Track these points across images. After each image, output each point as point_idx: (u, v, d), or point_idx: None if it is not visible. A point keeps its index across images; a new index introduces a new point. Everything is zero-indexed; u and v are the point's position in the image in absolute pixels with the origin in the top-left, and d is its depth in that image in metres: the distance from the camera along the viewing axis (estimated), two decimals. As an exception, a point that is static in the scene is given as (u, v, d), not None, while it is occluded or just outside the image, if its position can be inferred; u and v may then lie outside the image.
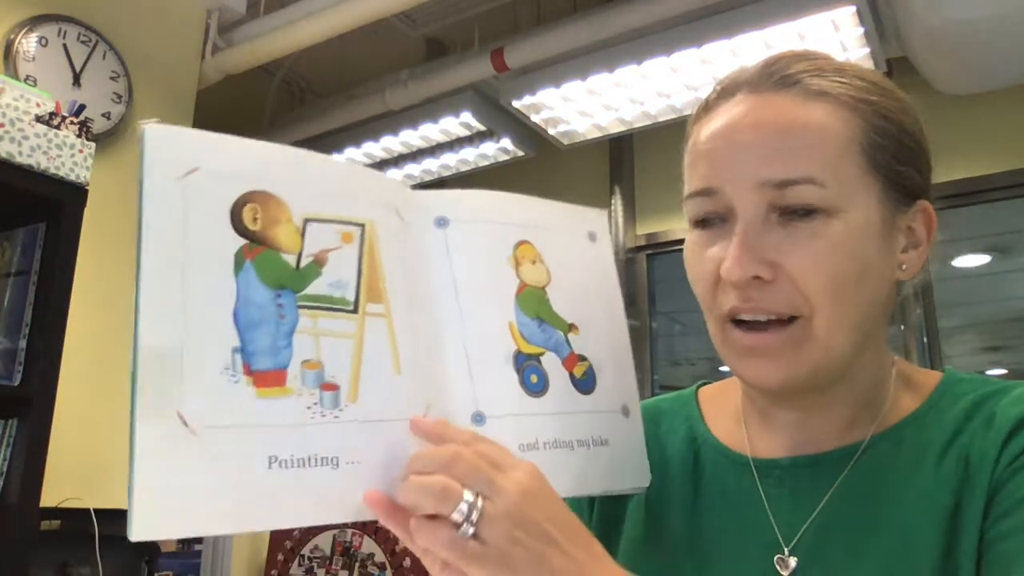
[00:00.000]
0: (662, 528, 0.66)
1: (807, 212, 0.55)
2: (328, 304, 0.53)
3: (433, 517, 0.47)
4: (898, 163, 0.58)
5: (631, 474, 0.64)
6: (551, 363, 0.62)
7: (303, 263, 0.53)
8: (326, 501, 0.50)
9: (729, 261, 0.55)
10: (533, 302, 0.63)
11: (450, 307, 0.59)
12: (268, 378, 0.49)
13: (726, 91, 0.61)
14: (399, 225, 0.59)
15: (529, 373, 0.61)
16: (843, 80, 0.58)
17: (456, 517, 0.47)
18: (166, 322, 0.47)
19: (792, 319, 0.55)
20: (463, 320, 0.59)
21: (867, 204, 0.56)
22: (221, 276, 0.50)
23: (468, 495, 0.47)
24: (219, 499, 0.46)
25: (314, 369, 0.51)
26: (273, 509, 0.48)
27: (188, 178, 0.50)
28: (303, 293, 0.52)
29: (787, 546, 0.58)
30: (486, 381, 0.59)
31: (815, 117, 0.56)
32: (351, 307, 0.54)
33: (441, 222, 0.61)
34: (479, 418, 0.58)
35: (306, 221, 0.54)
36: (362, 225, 0.56)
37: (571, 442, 0.61)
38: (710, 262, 0.58)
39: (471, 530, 0.46)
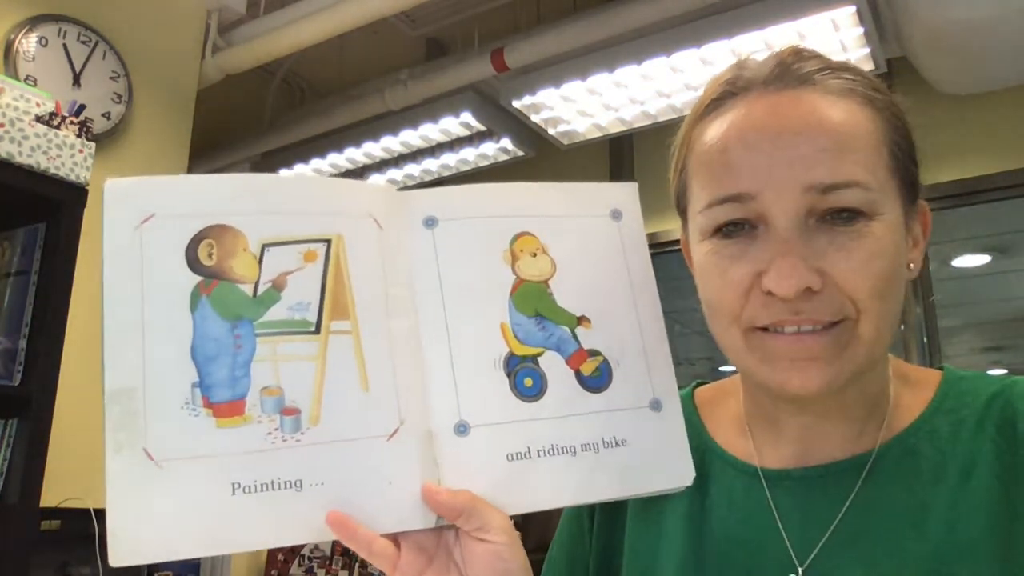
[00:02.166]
0: (666, 541, 0.63)
1: (850, 216, 0.52)
2: (287, 328, 0.54)
3: None
4: (912, 163, 0.57)
5: (663, 473, 0.59)
6: (552, 363, 0.59)
7: (261, 290, 0.54)
8: (291, 523, 0.51)
9: (778, 275, 0.52)
10: (531, 299, 0.60)
11: (436, 312, 0.58)
12: (227, 409, 0.52)
13: (734, 89, 0.57)
14: (376, 233, 0.58)
15: (523, 376, 0.58)
16: (857, 78, 0.57)
17: None
18: (128, 364, 0.51)
19: (835, 323, 0.53)
20: (449, 325, 0.58)
21: (895, 204, 0.55)
22: (178, 315, 0.52)
23: None
24: (188, 525, 0.50)
25: (273, 395, 0.53)
26: (240, 532, 0.51)
27: (144, 226, 0.53)
28: (261, 320, 0.54)
29: (801, 565, 0.56)
30: (472, 388, 0.57)
31: (849, 116, 0.54)
32: (313, 328, 0.55)
33: (430, 222, 0.60)
34: (462, 428, 0.56)
35: (264, 247, 0.55)
36: (328, 240, 0.56)
37: (572, 447, 0.58)
38: (743, 274, 0.54)
39: None
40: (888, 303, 0.54)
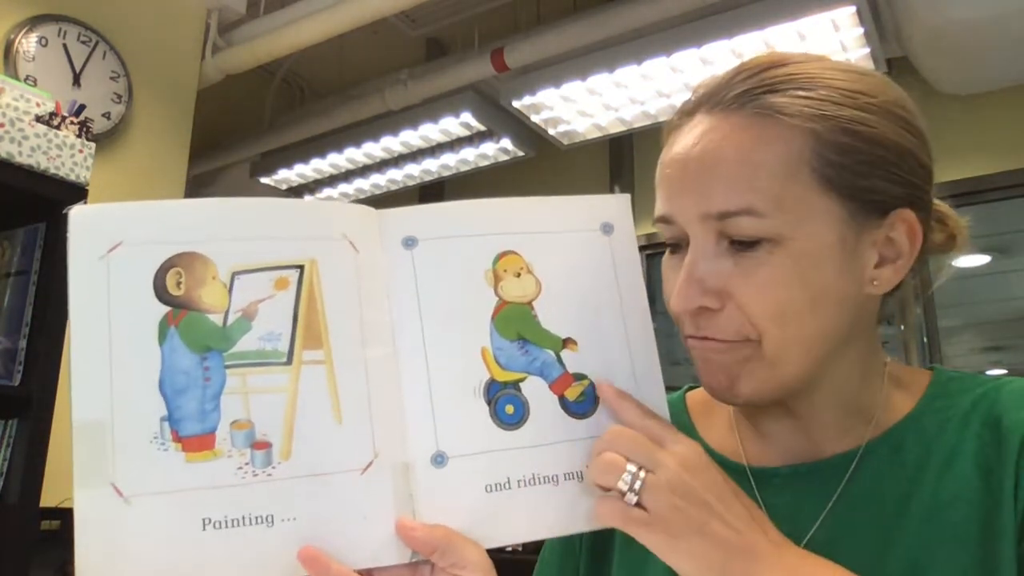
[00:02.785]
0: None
1: (752, 242, 0.54)
2: (258, 360, 0.53)
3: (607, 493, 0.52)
4: (862, 178, 0.55)
5: None
6: (534, 389, 0.57)
7: (231, 320, 0.53)
8: (262, 559, 0.51)
9: (675, 294, 0.57)
10: (514, 321, 0.58)
11: (414, 338, 0.56)
12: (196, 443, 0.51)
13: (689, 111, 0.59)
14: (352, 256, 0.56)
15: (504, 403, 0.56)
16: (804, 94, 0.55)
17: (621, 486, 0.51)
18: (95, 397, 0.50)
19: (737, 341, 0.56)
20: (427, 351, 0.56)
21: (821, 226, 0.54)
22: (145, 347, 0.51)
23: (631, 467, 0.51)
24: (157, 562, 0.49)
25: (243, 429, 0.52)
26: (210, 569, 0.50)
27: (111, 255, 0.52)
28: (231, 352, 0.52)
29: None
30: (450, 417, 0.55)
31: (762, 142, 0.54)
32: (284, 359, 0.53)
33: (409, 242, 0.58)
34: (439, 459, 0.55)
35: (234, 275, 0.53)
36: (300, 266, 0.55)
37: (555, 476, 0.56)
38: (670, 288, 0.59)
39: (635, 499, 0.50)
40: (793, 329, 0.54)
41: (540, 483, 0.56)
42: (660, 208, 0.59)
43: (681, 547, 0.49)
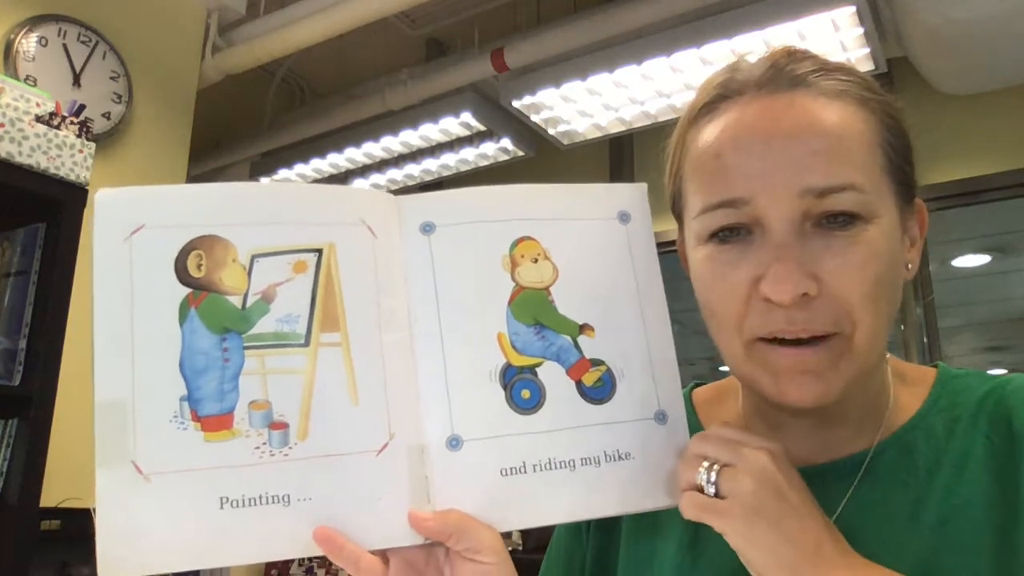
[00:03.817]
0: (662, 538, 0.63)
1: (846, 220, 0.52)
2: (276, 341, 0.54)
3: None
4: (905, 162, 0.57)
5: (665, 489, 0.57)
6: (551, 374, 0.57)
7: (250, 302, 0.54)
8: (278, 537, 0.51)
9: (775, 280, 0.51)
10: (531, 307, 0.58)
11: (430, 322, 0.56)
12: (215, 422, 0.52)
13: (727, 92, 0.57)
14: (370, 241, 0.56)
15: (520, 388, 0.56)
16: (851, 78, 0.56)
17: (699, 479, 0.52)
18: (117, 377, 0.51)
19: (830, 335, 0.53)
20: (443, 335, 0.56)
21: (891, 206, 0.54)
22: (166, 328, 0.52)
23: (709, 462, 0.52)
24: (176, 539, 0.50)
25: (261, 410, 0.52)
26: (228, 546, 0.51)
27: (134, 237, 0.53)
28: (250, 333, 0.53)
29: None
30: (465, 401, 0.55)
31: (842, 118, 0.53)
32: (302, 340, 0.54)
33: (427, 228, 0.58)
34: (454, 442, 0.55)
35: (253, 258, 0.54)
36: (319, 250, 0.55)
37: (572, 461, 0.56)
38: (740, 281, 0.54)
39: (712, 489, 0.51)
40: (883, 308, 0.53)
41: (556, 468, 0.56)
42: (727, 191, 0.54)
43: (756, 537, 0.49)
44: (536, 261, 0.59)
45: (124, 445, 0.50)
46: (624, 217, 0.62)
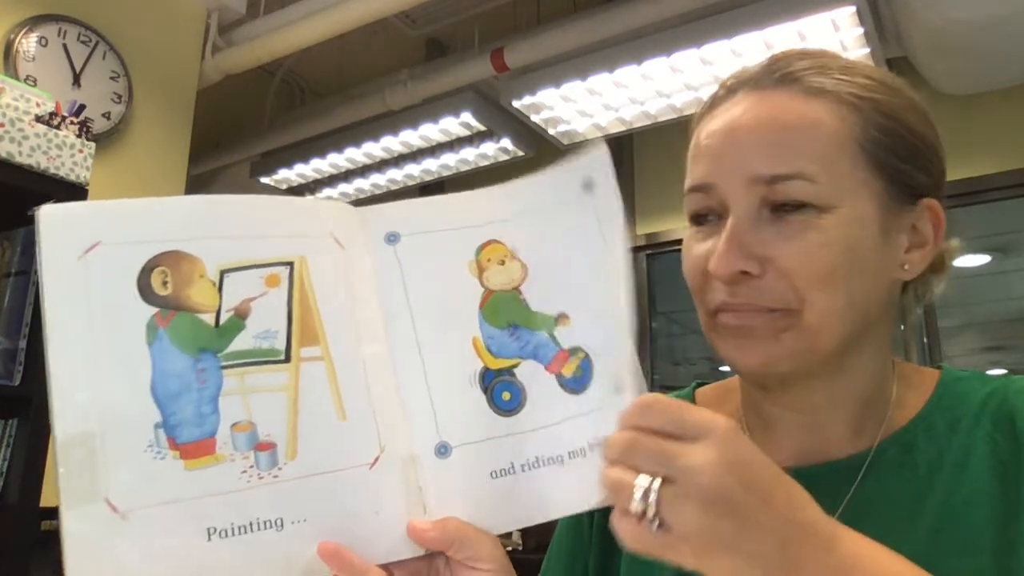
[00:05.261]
0: None
1: (798, 207, 0.54)
2: (255, 358, 0.51)
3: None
4: (901, 161, 0.57)
5: None
6: (530, 372, 0.56)
7: (223, 319, 0.51)
8: (272, 565, 0.49)
9: (716, 256, 0.55)
10: (502, 310, 0.57)
11: (406, 333, 0.55)
12: (195, 449, 0.48)
13: (730, 89, 0.61)
14: (338, 252, 0.55)
15: (500, 391, 0.56)
16: (846, 78, 0.58)
17: (635, 508, 0.42)
18: (80, 409, 0.46)
19: (775, 310, 0.55)
20: (420, 345, 0.55)
21: (864, 200, 0.56)
22: (133, 350, 0.48)
23: (643, 480, 0.42)
24: None
25: (245, 431, 0.49)
26: None
27: (89, 255, 0.49)
28: (226, 352, 0.50)
29: None
30: (449, 408, 0.54)
31: (811, 113, 0.56)
32: (282, 356, 0.51)
33: (392, 238, 0.57)
34: (443, 449, 0.54)
35: (223, 273, 0.51)
36: (290, 263, 0.53)
37: (559, 456, 0.55)
38: (701, 256, 0.58)
39: (655, 519, 0.42)
40: (836, 293, 0.54)
41: (545, 465, 0.55)
42: (698, 176, 0.59)
43: (715, 566, 0.42)
44: (503, 263, 0.58)
45: (94, 482, 0.45)
46: (588, 185, 0.60)
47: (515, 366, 0.56)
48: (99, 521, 0.45)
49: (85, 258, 0.49)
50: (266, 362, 0.51)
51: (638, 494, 0.42)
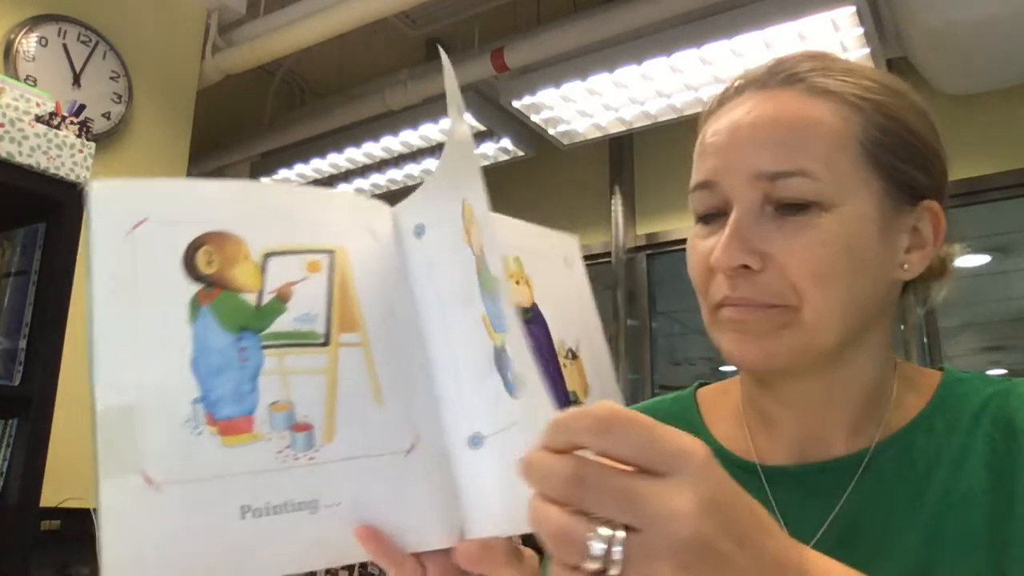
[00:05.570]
0: None
1: (801, 205, 0.55)
2: (295, 340, 0.51)
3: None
4: (901, 162, 0.58)
5: None
6: (511, 346, 0.49)
7: (265, 300, 0.51)
8: (304, 547, 0.48)
9: (718, 250, 0.56)
10: (485, 277, 0.52)
11: (436, 323, 0.56)
12: (234, 425, 0.48)
13: (736, 90, 0.62)
14: (374, 247, 0.56)
15: (506, 371, 0.52)
16: (849, 79, 0.58)
17: (589, 567, 0.34)
18: (121, 380, 0.47)
19: (774, 305, 0.56)
20: (449, 334, 0.55)
21: (865, 200, 0.56)
22: (176, 326, 0.48)
23: (603, 532, 0.34)
24: (193, 554, 0.45)
25: (283, 411, 0.49)
26: (250, 560, 0.47)
27: (136, 231, 0.49)
28: (267, 332, 0.50)
29: None
30: (478, 398, 0.54)
31: (813, 112, 0.57)
32: (321, 340, 0.51)
33: (419, 230, 0.58)
34: (476, 441, 0.53)
35: (266, 256, 0.52)
36: (331, 252, 0.54)
37: None
38: (705, 252, 0.58)
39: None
40: (834, 294, 0.55)
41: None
42: (703, 174, 0.59)
43: None
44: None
45: (131, 454, 0.45)
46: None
47: (504, 342, 0.53)
48: (134, 492, 0.45)
49: (132, 234, 0.49)
50: (306, 344, 0.51)
51: (596, 549, 0.34)
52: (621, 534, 0.34)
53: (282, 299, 0.51)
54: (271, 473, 0.48)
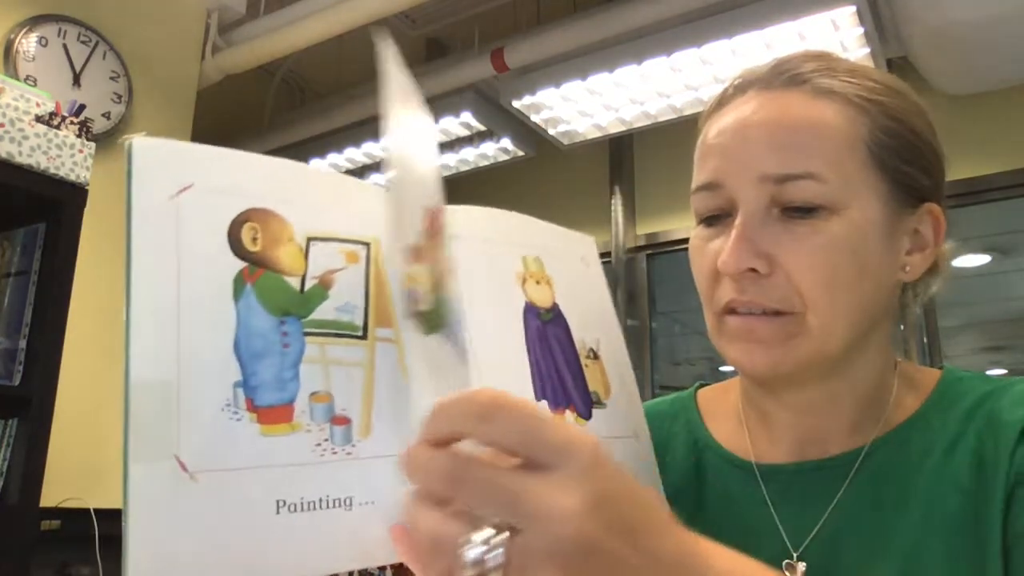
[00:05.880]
0: None
1: (808, 209, 0.54)
2: (336, 330, 0.48)
3: None
4: (905, 164, 0.58)
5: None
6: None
7: (307, 286, 0.48)
8: (339, 545, 0.45)
9: (725, 253, 0.55)
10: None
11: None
12: (274, 414, 0.44)
13: (738, 89, 0.61)
14: None
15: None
16: (853, 80, 0.58)
17: (466, 574, 0.32)
18: (160, 355, 0.42)
19: (782, 312, 0.55)
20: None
21: (870, 202, 0.56)
22: (220, 303, 0.45)
23: (477, 537, 0.32)
24: (223, 549, 0.42)
25: (323, 402, 0.46)
26: (283, 557, 0.43)
27: (181, 196, 0.46)
28: (309, 319, 0.47)
29: (795, 551, 0.57)
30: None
31: (820, 114, 0.56)
32: (360, 332, 0.49)
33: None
34: None
35: (309, 240, 0.49)
36: (367, 244, 0.51)
37: None
38: (711, 255, 0.58)
39: None
40: (842, 297, 0.55)
41: None
42: (707, 175, 0.58)
43: None
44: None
45: (166, 436, 0.41)
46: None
47: None
48: (167, 479, 0.41)
49: (177, 199, 0.46)
50: (346, 335, 0.48)
51: (472, 553, 0.31)
52: (501, 536, 0.32)
53: (324, 286, 0.49)
54: (309, 467, 0.45)
